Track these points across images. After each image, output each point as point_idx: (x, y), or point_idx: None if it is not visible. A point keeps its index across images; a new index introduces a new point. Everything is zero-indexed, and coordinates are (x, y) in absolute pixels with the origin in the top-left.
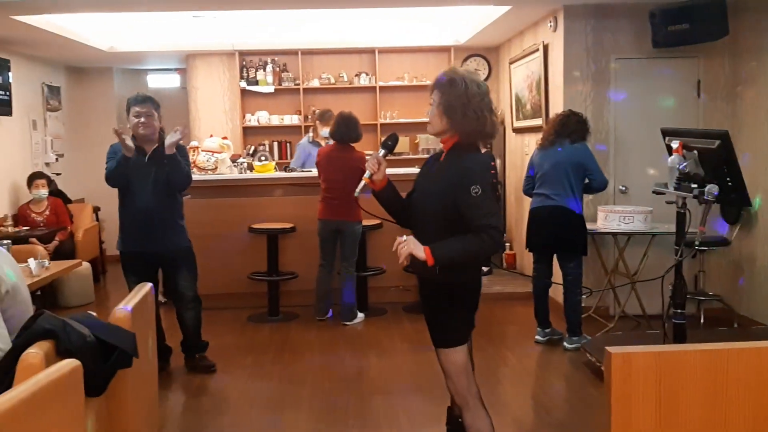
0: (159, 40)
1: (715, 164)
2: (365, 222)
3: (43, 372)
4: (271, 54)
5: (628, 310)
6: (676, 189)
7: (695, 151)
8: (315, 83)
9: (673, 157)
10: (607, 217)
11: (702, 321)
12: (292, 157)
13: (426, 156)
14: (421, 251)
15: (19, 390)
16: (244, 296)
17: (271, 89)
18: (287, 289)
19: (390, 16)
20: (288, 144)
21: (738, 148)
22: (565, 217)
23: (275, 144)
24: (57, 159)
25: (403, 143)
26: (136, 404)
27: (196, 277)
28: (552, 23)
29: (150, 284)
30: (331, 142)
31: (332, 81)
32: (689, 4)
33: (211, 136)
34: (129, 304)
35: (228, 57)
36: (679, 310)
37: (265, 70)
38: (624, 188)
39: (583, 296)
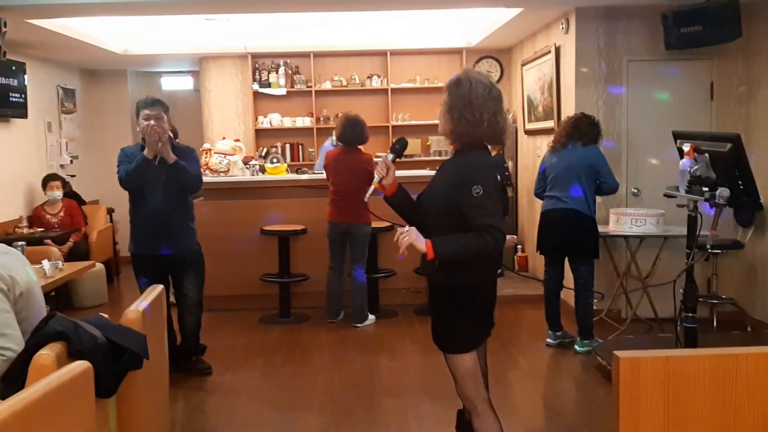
0: (172, 42)
1: (726, 167)
2: (376, 224)
3: (55, 373)
4: (284, 56)
5: (640, 313)
6: (687, 192)
7: (706, 154)
8: (327, 85)
9: (684, 160)
10: (619, 220)
11: (715, 324)
12: (303, 159)
13: (438, 158)
14: (422, 243)
15: (31, 391)
16: (256, 298)
17: (283, 91)
18: (298, 291)
19: (402, 18)
20: (300, 146)
21: (751, 151)
22: (576, 219)
23: (287, 146)
24: (72, 161)
25: (414, 145)
26: (146, 405)
27: (203, 282)
28: (564, 25)
29: (161, 286)
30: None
31: (344, 83)
32: (702, 6)
33: (224, 138)
34: (140, 306)
35: (241, 59)
36: (690, 314)
37: (277, 73)
38: (636, 191)
39: (595, 300)
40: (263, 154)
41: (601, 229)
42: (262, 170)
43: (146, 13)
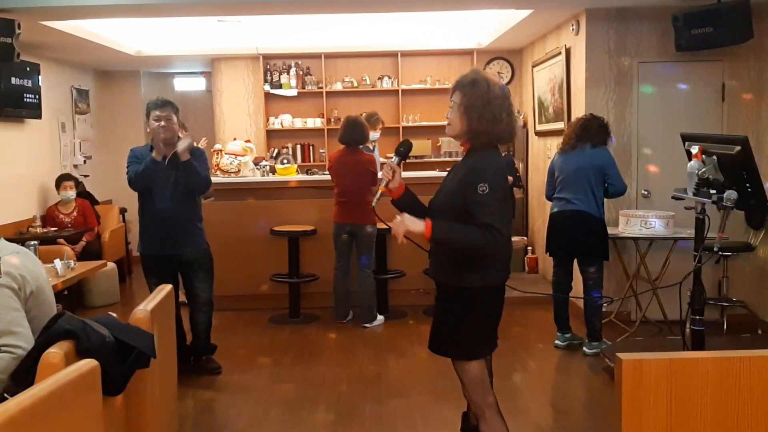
0: (185, 44)
1: (734, 170)
2: (387, 224)
3: (63, 371)
4: (295, 57)
5: (649, 315)
6: (695, 194)
7: (714, 157)
8: (338, 86)
9: (692, 162)
10: (629, 222)
11: (725, 327)
12: (314, 160)
13: (448, 159)
14: (419, 225)
15: (39, 388)
16: (266, 298)
17: (294, 92)
18: (308, 291)
19: (412, 20)
20: (311, 147)
21: (762, 153)
22: (585, 221)
23: (298, 147)
24: (85, 161)
25: (425, 146)
26: (155, 403)
27: (212, 281)
28: (574, 26)
29: (170, 286)
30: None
31: (355, 84)
32: (713, 7)
33: (235, 139)
34: (149, 305)
35: (252, 60)
36: (697, 317)
37: (288, 74)
38: (646, 192)
39: (604, 304)
40: (274, 154)
41: (610, 230)
42: (273, 171)
43: (159, 15)
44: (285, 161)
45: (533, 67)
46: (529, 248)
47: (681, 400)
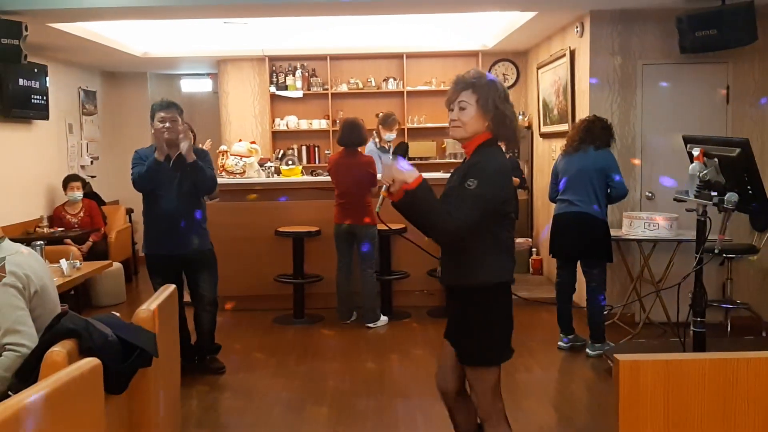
0: (191, 45)
1: (735, 172)
2: (392, 226)
3: (65, 369)
4: (301, 59)
5: (653, 317)
6: (696, 197)
7: (716, 159)
8: (343, 88)
9: (693, 164)
10: (632, 224)
11: (729, 329)
12: (319, 161)
13: (453, 161)
14: (408, 176)
15: (41, 385)
16: (270, 298)
17: (299, 94)
18: (312, 292)
19: (418, 21)
20: (316, 148)
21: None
22: (589, 223)
23: (303, 148)
24: (92, 162)
25: (429, 148)
26: (158, 402)
27: (217, 281)
28: (578, 28)
29: (174, 286)
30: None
31: (360, 86)
32: (717, 9)
33: (240, 140)
34: (152, 305)
35: (258, 62)
36: (698, 319)
37: (294, 75)
38: (650, 194)
39: (605, 312)
40: (279, 155)
41: (614, 232)
42: (278, 172)
43: (165, 17)
44: (290, 162)
45: (538, 68)
46: (534, 250)
47: (678, 401)
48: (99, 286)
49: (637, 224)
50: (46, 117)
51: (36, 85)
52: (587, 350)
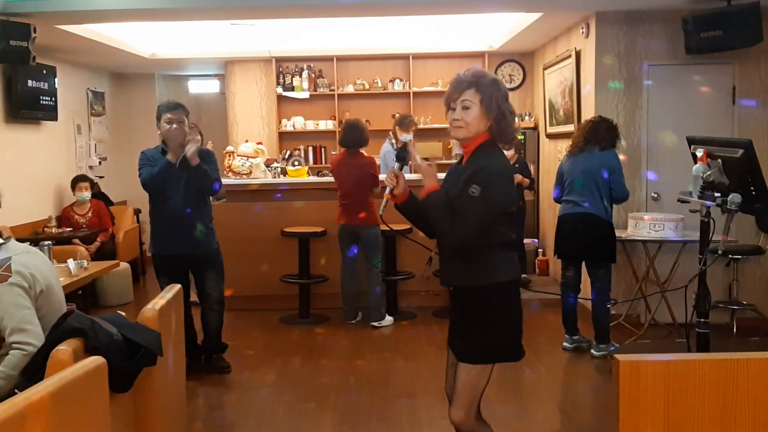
0: (199, 46)
1: (739, 173)
2: (396, 226)
3: (70, 368)
4: (307, 60)
5: (658, 318)
6: (699, 197)
7: (719, 160)
8: (350, 89)
9: (697, 165)
10: (638, 225)
11: (735, 330)
12: (326, 162)
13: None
14: (428, 181)
15: (47, 384)
16: (276, 298)
17: (306, 95)
18: (318, 292)
19: (424, 23)
20: (323, 149)
21: None
22: (594, 224)
23: (310, 149)
24: (100, 162)
25: (436, 148)
26: (163, 401)
27: (223, 280)
28: (584, 29)
29: (179, 285)
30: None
31: (367, 87)
32: (723, 10)
33: (246, 141)
34: (157, 305)
35: (265, 63)
36: (702, 320)
37: (300, 76)
38: (656, 195)
39: (609, 306)
40: (286, 156)
41: (619, 233)
42: (284, 173)
43: (173, 19)
44: (296, 163)
45: (544, 69)
46: (540, 250)
47: (678, 401)
48: (106, 287)
49: (643, 225)
50: (54, 118)
51: (45, 86)
52: (592, 351)
